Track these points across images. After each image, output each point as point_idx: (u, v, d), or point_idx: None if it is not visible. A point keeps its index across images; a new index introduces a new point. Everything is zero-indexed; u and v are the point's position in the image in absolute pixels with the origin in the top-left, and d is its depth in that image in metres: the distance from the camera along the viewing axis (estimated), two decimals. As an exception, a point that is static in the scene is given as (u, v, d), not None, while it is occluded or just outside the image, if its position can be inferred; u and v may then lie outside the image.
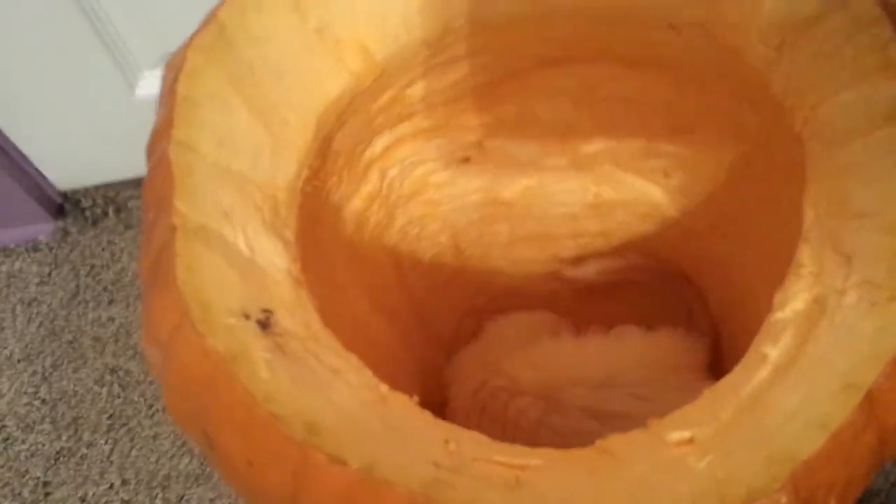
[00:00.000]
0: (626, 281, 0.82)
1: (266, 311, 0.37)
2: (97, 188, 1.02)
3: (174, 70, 0.40)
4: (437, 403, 0.82)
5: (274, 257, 0.39)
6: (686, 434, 0.37)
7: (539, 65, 0.55)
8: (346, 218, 0.57)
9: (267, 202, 0.41)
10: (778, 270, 0.59)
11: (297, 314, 0.38)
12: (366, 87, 0.48)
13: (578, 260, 0.81)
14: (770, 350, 0.38)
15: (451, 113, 0.57)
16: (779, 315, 0.40)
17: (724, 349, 0.75)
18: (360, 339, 0.64)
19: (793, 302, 0.39)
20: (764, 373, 0.38)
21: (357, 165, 0.56)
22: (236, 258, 0.37)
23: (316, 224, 0.53)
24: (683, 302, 0.82)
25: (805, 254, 0.41)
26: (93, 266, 1.02)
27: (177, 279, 0.34)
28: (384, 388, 0.38)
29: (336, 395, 0.36)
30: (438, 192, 0.66)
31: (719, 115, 0.55)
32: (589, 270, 0.80)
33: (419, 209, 0.67)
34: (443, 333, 0.86)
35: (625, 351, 0.62)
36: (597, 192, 0.68)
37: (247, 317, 0.36)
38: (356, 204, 0.58)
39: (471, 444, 0.36)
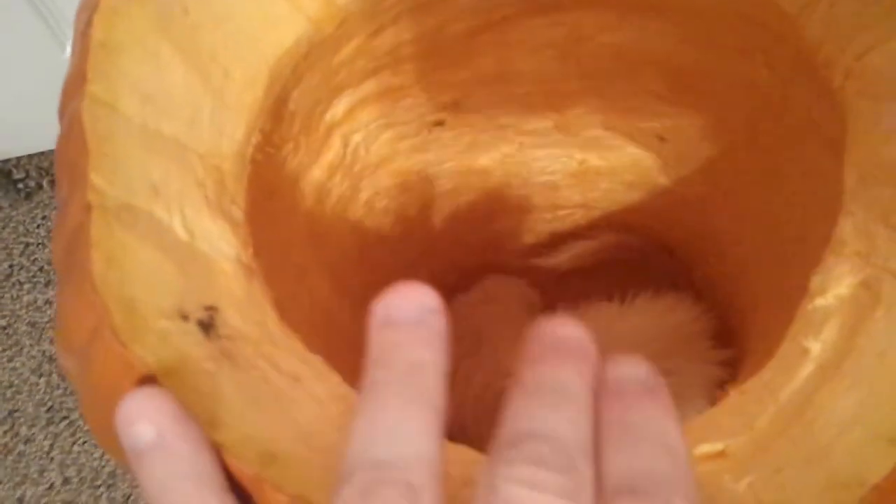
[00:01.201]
0: (605, 259, 0.77)
1: (209, 308, 0.30)
2: (30, 158, 0.94)
3: (88, 9, 0.32)
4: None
5: (220, 242, 0.32)
6: (717, 446, 0.31)
7: (523, 11, 0.48)
8: (305, 190, 0.50)
9: (210, 174, 0.33)
10: (781, 247, 0.53)
11: (248, 311, 0.31)
12: (326, 35, 0.40)
13: (551, 245, 0.75)
14: (812, 343, 0.32)
15: (422, 68, 0.50)
16: (819, 301, 0.34)
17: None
18: (322, 327, 0.58)
19: (836, 286, 0.33)
20: (806, 371, 0.32)
21: (316, 130, 0.49)
22: (171, 244, 0.30)
23: (269, 198, 0.45)
24: (666, 277, 0.77)
25: (848, 229, 0.35)
26: (27, 244, 0.95)
27: (93, 274, 0.27)
28: (355, 395, 0.32)
29: (298, 411, 0.29)
30: (409, 161, 0.59)
31: (726, 70, 0.49)
32: (562, 258, 0.74)
33: (387, 179, 0.60)
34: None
35: (633, 323, 0.57)
36: (582, 158, 0.61)
37: (185, 317, 0.29)
38: (316, 174, 0.51)
39: (460, 464, 0.30)
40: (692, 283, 0.74)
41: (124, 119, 0.31)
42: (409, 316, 0.25)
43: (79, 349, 0.29)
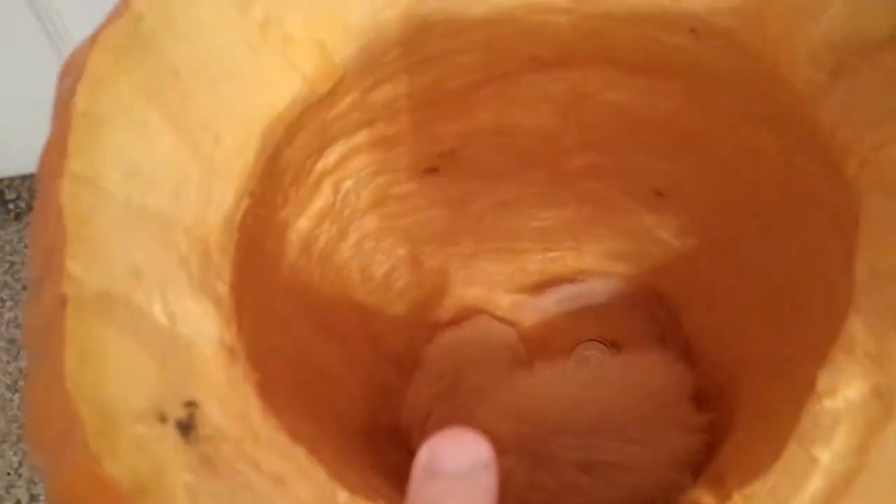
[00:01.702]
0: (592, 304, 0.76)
1: (190, 404, 0.28)
2: (23, 180, 0.93)
3: (72, 75, 0.30)
4: (388, 425, 0.74)
5: (201, 323, 0.30)
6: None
7: (526, 67, 0.46)
8: (292, 240, 0.48)
9: (195, 249, 0.31)
10: (776, 307, 0.52)
11: (230, 402, 0.29)
12: (322, 94, 0.39)
13: (539, 287, 0.73)
14: (821, 452, 0.31)
15: (419, 120, 0.48)
16: (828, 404, 0.32)
17: (701, 379, 0.69)
18: (305, 372, 0.56)
19: (845, 389, 0.32)
20: (815, 483, 0.30)
21: (306, 181, 0.47)
22: (150, 334, 0.28)
23: (254, 255, 0.43)
24: (654, 323, 0.76)
25: (858, 327, 0.33)
26: (12, 263, 0.94)
27: (65, 374, 0.25)
28: (343, 496, 0.30)
29: (281, 521, 0.27)
30: (400, 205, 0.57)
31: (730, 135, 0.47)
32: (548, 301, 0.73)
33: (376, 222, 0.58)
34: (395, 348, 0.78)
35: (610, 386, 0.55)
36: (577, 209, 0.60)
37: (163, 419, 0.27)
38: (303, 224, 0.49)
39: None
40: (681, 332, 0.73)
41: (106, 195, 0.29)
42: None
43: (49, 448, 0.27)
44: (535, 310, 0.78)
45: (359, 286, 0.66)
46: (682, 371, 0.60)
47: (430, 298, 0.78)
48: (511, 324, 0.82)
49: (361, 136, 0.48)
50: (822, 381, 0.33)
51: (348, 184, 0.52)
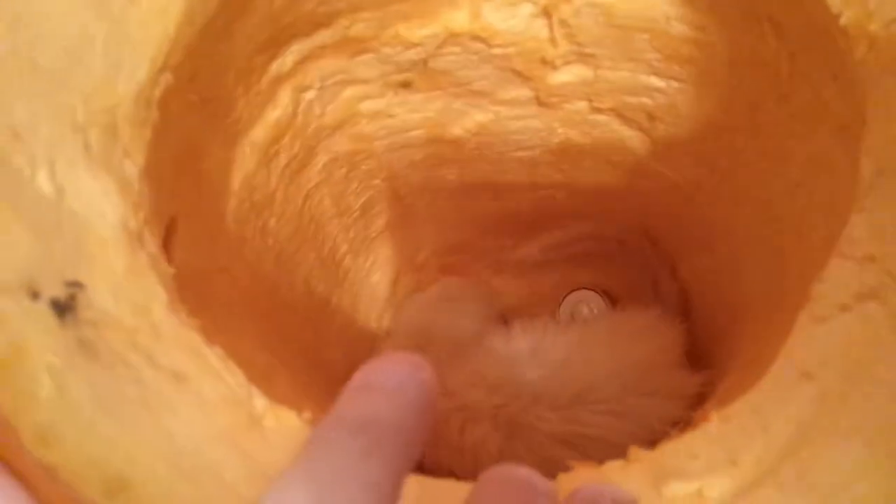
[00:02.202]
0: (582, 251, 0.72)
1: (73, 284, 0.24)
2: None
3: None
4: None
5: (100, 202, 0.26)
6: (691, 486, 0.25)
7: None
8: (244, 150, 0.44)
9: (96, 119, 0.27)
10: (777, 240, 0.48)
11: (126, 290, 0.25)
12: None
13: (530, 228, 0.69)
14: (813, 367, 0.27)
15: (385, 18, 0.44)
16: (821, 312, 0.28)
17: (698, 327, 0.65)
18: (266, 302, 0.52)
19: (841, 296, 0.28)
20: (804, 399, 0.26)
21: (258, 83, 0.43)
22: (29, 202, 0.24)
23: (196, 158, 0.39)
24: (647, 269, 0.72)
25: (860, 228, 0.29)
26: None
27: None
28: (260, 402, 0.26)
29: (173, 420, 0.23)
30: (372, 125, 0.53)
31: (728, 42, 0.43)
32: (534, 248, 0.69)
33: (347, 144, 0.54)
34: (375, 295, 0.74)
35: (596, 352, 0.51)
36: (564, 133, 0.55)
37: (34, 296, 0.23)
38: (258, 134, 0.45)
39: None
40: (675, 280, 0.69)
41: (-18, 42, 0.25)
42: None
43: None
44: (521, 258, 0.74)
45: (333, 218, 0.62)
46: (675, 333, 0.56)
47: (414, 238, 0.74)
48: (497, 272, 0.78)
49: (322, 37, 0.44)
50: (816, 290, 0.29)
51: (310, 94, 0.47)
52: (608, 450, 0.48)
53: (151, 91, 0.30)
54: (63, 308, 0.23)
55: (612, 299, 0.76)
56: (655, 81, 0.48)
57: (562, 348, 0.52)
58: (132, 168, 0.28)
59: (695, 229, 0.61)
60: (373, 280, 0.74)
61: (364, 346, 0.71)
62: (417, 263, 0.77)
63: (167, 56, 0.30)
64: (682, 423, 0.51)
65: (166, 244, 0.35)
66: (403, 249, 0.75)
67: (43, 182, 0.25)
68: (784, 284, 0.46)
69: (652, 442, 0.52)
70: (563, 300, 0.78)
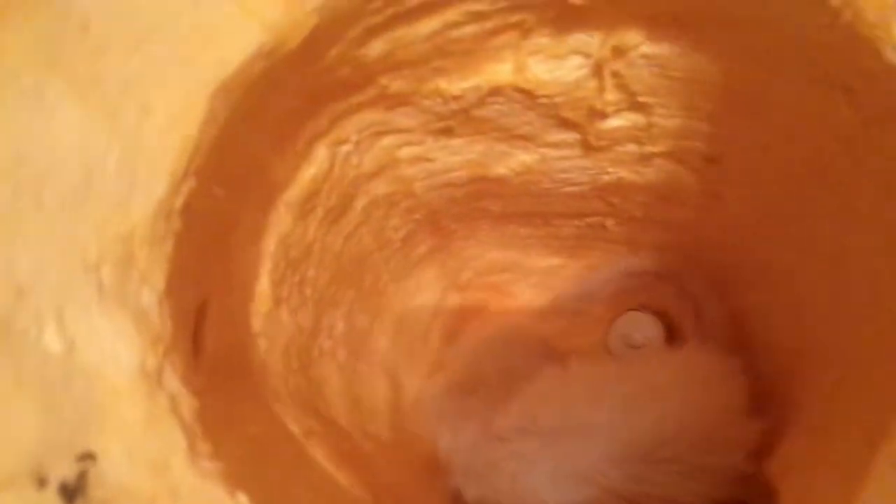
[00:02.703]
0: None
1: (84, 457, 0.22)
2: None
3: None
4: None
5: (113, 347, 0.24)
6: None
7: (550, 15, 0.39)
8: (279, 215, 0.42)
9: (109, 251, 0.25)
10: (849, 292, 0.44)
11: (142, 447, 0.24)
12: (293, 47, 0.32)
13: (574, 253, 0.67)
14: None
15: (424, 74, 0.41)
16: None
17: (756, 363, 0.61)
18: (305, 357, 0.51)
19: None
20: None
21: (293, 146, 0.41)
22: (35, 367, 0.23)
23: (228, 234, 0.38)
24: (689, 297, 0.69)
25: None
26: None
27: None
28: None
29: None
30: (411, 168, 0.51)
31: (794, 100, 0.39)
32: (593, 286, 0.66)
33: (386, 187, 0.52)
34: (419, 318, 0.72)
35: (661, 402, 0.48)
36: (615, 173, 0.52)
37: (42, 482, 0.21)
38: (293, 194, 0.43)
39: None
40: (721, 309, 0.66)
41: (-18, 190, 0.23)
42: None
43: None
44: (572, 282, 0.72)
45: (374, 252, 0.60)
46: (741, 380, 0.53)
47: (457, 260, 0.72)
48: (544, 291, 0.76)
49: (357, 96, 0.41)
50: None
51: (347, 147, 0.45)
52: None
53: (172, 202, 0.28)
54: (72, 493, 0.21)
55: (665, 321, 0.74)
56: (713, 129, 0.45)
57: (625, 391, 0.50)
58: (150, 295, 0.26)
59: (748, 267, 0.58)
60: (416, 303, 0.72)
61: (408, 370, 0.70)
62: (461, 284, 0.75)
63: (189, 162, 0.28)
64: (745, 477, 0.49)
65: (197, 332, 0.34)
66: (447, 271, 0.72)
67: (51, 340, 0.23)
68: (858, 347, 0.43)
69: (714, 500, 0.50)
70: (613, 323, 0.75)
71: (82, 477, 0.21)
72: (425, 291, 0.73)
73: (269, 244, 0.43)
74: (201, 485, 0.24)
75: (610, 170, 0.52)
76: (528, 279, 0.75)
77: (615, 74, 0.41)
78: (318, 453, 0.44)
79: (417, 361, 0.72)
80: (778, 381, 0.56)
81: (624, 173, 0.52)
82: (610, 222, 0.63)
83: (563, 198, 0.58)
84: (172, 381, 0.26)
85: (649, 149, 0.48)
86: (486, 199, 0.58)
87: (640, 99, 0.43)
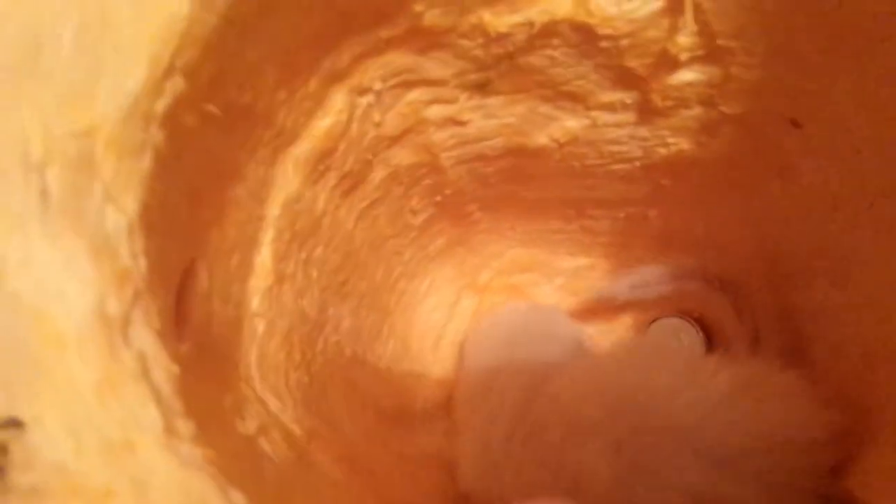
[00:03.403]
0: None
1: (8, 424, 0.15)
2: None
3: None
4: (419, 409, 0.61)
5: (61, 279, 0.17)
6: None
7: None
8: (285, 173, 0.35)
9: (60, 152, 0.18)
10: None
11: (96, 421, 0.16)
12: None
13: (606, 255, 0.60)
14: None
15: (467, 2, 0.34)
16: None
17: (818, 368, 0.54)
18: (307, 343, 0.43)
19: None
20: None
21: (305, 84, 0.33)
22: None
23: (217, 181, 0.30)
24: (739, 302, 0.61)
25: None
26: None
27: None
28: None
29: None
30: (439, 133, 0.43)
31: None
32: (622, 287, 0.59)
33: (408, 157, 0.45)
34: (431, 321, 0.64)
35: (749, 411, 0.41)
36: (675, 144, 0.45)
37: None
38: (303, 149, 0.36)
39: None
40: (766, 309, 0.58)
41: None
42: None
43: None
44: (600, 286, 0.64)
45: (388, 240, 0.52)
46: (817, 398, 0.45)
47: (477, 257, 0.64)
48: (571, 295, 0.68)
49: (386, 28, 0.34)
50: None
51: (369, 98, 0.38)
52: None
53: (151, 103, 0.20)
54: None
55: (705, 328, 0.66)
56: (805, 81, 0.38)
57: (720, 390, 0.42)
58: (117, 218, 0.19)
59: (823, 259, 0.51)
60: (429, 304, 0.65)
61: (416, 380, 0.62)
62: (480, 285, 0.68)
63: (175, 53, 0.21)
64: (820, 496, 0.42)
65: (181, 296, 0.26)
66: (465, 269, 0.65)
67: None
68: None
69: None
70: (646, 330, 0.68)
71: (2, 453, 0.14)
72: (440, 292, 0.65)
73: (274, 207, 0.36)
74: (180, 476, 0.16)
75: (670, 140, 0.45)
76: (553, 281, 0.68)
77: (697, 7, 0.34)
78: (322, 458, 0.37)
79: (427, 370, 0.65)
80: (845, 386, 0.48)
81: (685, 144, 0.45)
82: (653, 213, 0.56)
83: (607, 179, 0.50)
84: (144, 336, 0.18)
85: (722, 110, 0.41)
86: (520, 180, 0.51)
87: (721, 42, 0.36)
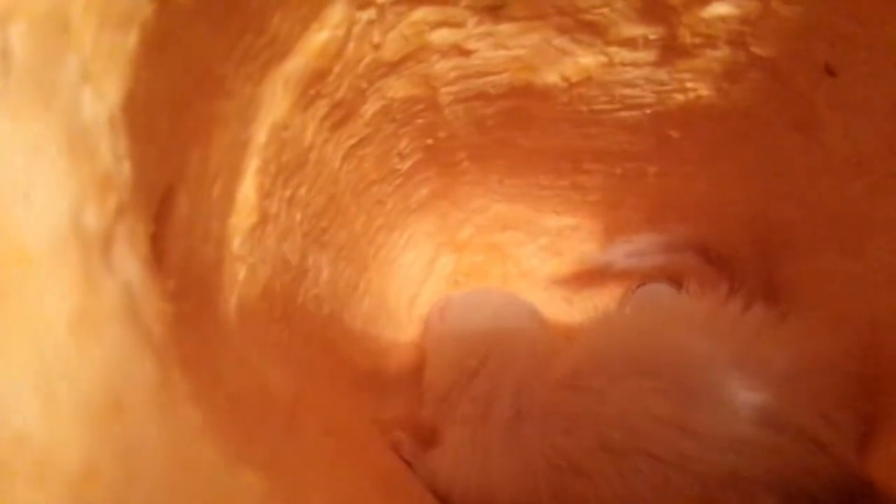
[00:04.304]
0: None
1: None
2: None
3: None
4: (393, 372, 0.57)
5: (23, 174, 0.12)
6: None
7: None
8: (274, 93, 0.30)
9: (25, 6, 0.13)
10: None
11: (67, 374, 0.12)
12: None
13: (595, 215, 0.56)
14: None
15: None
16: None
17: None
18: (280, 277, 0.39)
19: None
20: None
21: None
22: None
23: (201, 101, 0.25)
24: (732, 269, 0.58)
25: None
26: None
27: None
28: None
29: None
30: (442, 63, 0.39)
31: None
32: (617, 255, 0.56)
33: (405, 88, 0.40)
34: (409, 276, 0.60)
35: (768, 372, 0.38)
36: (694, 90, 0.41)
37: None
38: (296, 66, 0.31)
39: None
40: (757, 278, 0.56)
41: None
42: None
43: None
44: (585, 249, 0.61)
45: (372, 185, 0.48)
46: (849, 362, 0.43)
47: (460, 212, 0.60)
48: (554, 256, 0.65)
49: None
50: None
51: (370, 13, 0.33)
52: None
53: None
54: None
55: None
56: (849, 26, 0.34)
57: (787, 353, 0.39)
58: (97, 107, 0.14)
59: (835, 226, 0.48)
60: (407, 259, 0.60)
61: (391, 342, 0.58)
62: (460, 242, 0.63)
63: None
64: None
65: (159, 227, 0.22)
66: (446, 224, 0.61)
67: None
68: None
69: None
70: (630, 296, 0.65)
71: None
72: (419, 247, 0.61)
73: (260, 132, 0.31)
74: (176, 442, 0.12)
75: (689, 85, 0.41)
76: (536, 241, 0.64)
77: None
78: (311, 425, 0.32)
79: (402, 331, 0.60)
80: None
81: (704, 90, 0.41)
82: (653, 170, 0.53)
83: (612, 128, 0.46)
84: (129, 263, 0.14)
85: (753, 51, 0.37)
86: (519, 125, 0.47)
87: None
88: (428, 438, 0.51)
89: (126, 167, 0.15)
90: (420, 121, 0.44)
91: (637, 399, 0.38)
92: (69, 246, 0.13)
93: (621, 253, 0.59)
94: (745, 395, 0.36)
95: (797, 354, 0.38)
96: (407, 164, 0.48)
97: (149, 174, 0.19)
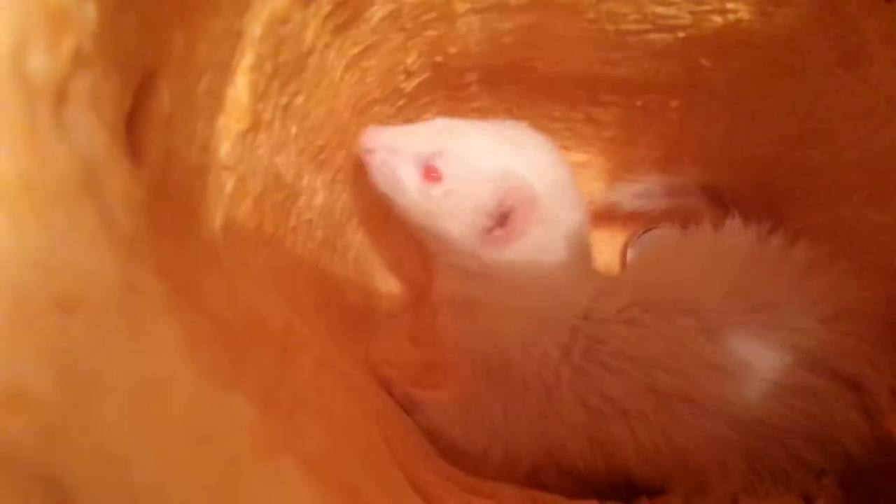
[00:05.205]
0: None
1: None
2: None
3: None
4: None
5: None
6: None
7: None
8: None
9: None
10: None
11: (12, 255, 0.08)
12: None
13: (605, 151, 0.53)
14: None
15: None
16: None
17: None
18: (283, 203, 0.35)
19: None
20: None
21: None
22: None
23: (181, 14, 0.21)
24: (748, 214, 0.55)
25: None
26: None
27: None
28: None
29: None
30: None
31: None
32: (625, 197, 0.53)
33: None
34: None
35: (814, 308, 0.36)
36: (735, 12, 0.38)
37: None
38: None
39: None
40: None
41: None
42: None
43: None
44: (593, 187, 0.58)
45: (374, 105, 0.44)
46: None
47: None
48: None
49: None
50: None
51: None
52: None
53: None
54: None
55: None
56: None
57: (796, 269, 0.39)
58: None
59: (867, 171, 0.45)
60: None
61: (384, 278, 0.55)
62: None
63: None
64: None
65: (135, 117, 0.18)
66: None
67: None
68: None
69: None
70: (636, 240, 0.61)
71: None
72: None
73: (255, 24, 0.27)
74: (146, 359, 0.09)
75: (730, 6, 0.37)
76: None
77: None
78: (304, 355, 0.29)
79: (395, 275, 0.57)
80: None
81: (746, 14, 0.38)
82: (675, 103, 0.49)
83: (639, 52, 0.43)
84: (88, 127, 0.10)
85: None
86: (537, 44, 0.43)
87: None
88: (422, 379, 0.48)
89: (90, 9, 0.12)
90: (431, 32, 0.40)
91: (683, 339, 0.36)
92: (6, 92, 0.09)
93: (629, 193, 0.56)
94: (790, 337, 0.34)
95: (842, 298, 0.36)
96: (413, 84, 0.45)
97: (123, 41, 0.15)
